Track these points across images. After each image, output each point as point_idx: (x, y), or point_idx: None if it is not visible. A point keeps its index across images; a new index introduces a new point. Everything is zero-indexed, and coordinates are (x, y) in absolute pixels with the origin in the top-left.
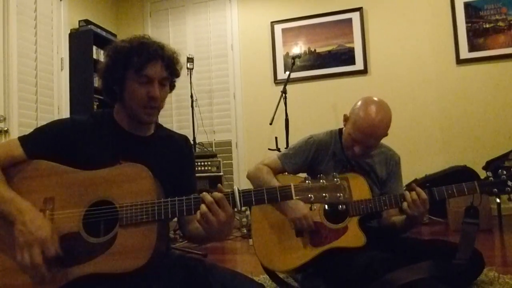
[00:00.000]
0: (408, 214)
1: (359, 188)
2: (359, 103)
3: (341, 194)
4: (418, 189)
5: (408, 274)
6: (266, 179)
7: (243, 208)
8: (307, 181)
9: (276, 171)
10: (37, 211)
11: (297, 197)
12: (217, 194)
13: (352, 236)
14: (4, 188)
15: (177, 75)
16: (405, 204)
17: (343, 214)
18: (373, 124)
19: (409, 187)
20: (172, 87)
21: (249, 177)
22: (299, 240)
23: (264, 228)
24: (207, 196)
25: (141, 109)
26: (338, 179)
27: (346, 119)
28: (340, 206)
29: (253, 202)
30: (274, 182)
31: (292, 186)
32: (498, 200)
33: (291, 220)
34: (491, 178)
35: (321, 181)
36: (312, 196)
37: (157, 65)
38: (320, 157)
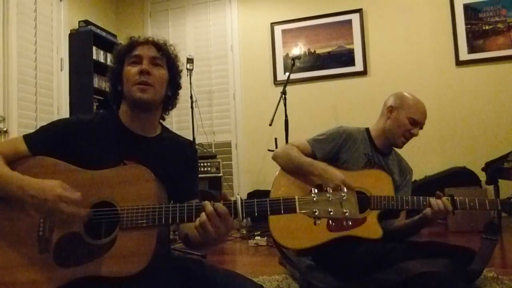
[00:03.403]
0: (428, 218)
1: (383, 185)
2: (402, 93)
3: (347, 210)
4: (444, 199)
5: (425, 265)
6: (297, 155)
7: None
8: (312, 194)
9: (305, 155)
10: (36, 179)
11: (302, 211)
12: (219, 206)
13: (370, 227)
14: (3, 169)
15: (171, 57)
16: (428, 210)
17: (364, 206)
18: (424, 106)
19: (436, 195)
20: (176, 84)
21: (276, 155)
22: (316, 222)
23: None
24: (208, 206)
25: (134, 87)
26: (345, 194)
27: (392, 109)
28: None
29: (256, 213)
30: (305, 159)
31: (297, 199)
32: None
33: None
34: None
35: (327, 194)
36: (317, 210)
37: (146, 46)
38: (348, 146)
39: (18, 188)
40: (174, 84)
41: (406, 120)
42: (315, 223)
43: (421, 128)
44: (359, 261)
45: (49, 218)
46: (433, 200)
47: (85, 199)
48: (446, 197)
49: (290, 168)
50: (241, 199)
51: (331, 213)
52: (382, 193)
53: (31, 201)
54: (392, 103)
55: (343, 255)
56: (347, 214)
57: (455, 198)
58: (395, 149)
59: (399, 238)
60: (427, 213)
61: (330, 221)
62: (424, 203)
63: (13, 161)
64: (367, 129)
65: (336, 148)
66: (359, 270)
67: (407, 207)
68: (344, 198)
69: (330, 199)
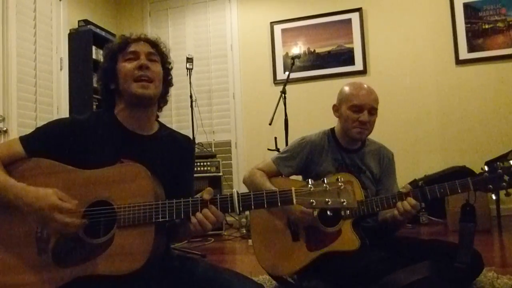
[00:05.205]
0: (399, 220)
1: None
2: (343, 86)
3: (345, 200)
4: (410, 199)
5: (408, 275)
6: (259, 182)
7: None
8: (309, 185)
9: (271, 175)
10: (31, 188)
11: (298, 202)
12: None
13: (346, 239)
14: (1, 175)
15: (164, 54)
16: (395, 212)
17: (337, 217)
18: (366, 87)
19: (400, 196)
20: (168, 81)
21: (244, 182)
22: (295, 245)
23: (262, 232)
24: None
25: (134, 83)
26: (342, 183)
27: (336, 108)
28: (343, 212)
29: (252, 206)
30: (268, 185)
31: (293, 190)
32: (494, 197)
33: (293, 221)
34: (486, 173)
35: (324, 185)
36: (314, 201)
37: (140, 42)
38: (314, 158)
39: (14, 196)
40: (166, 81)
41: (348, 111)
42: (293, 239)
43: (372, 111)
44: (340, 277)
45: (44, 227)
46: (399, 203)
47: (82, 199)
48: (416, 189)
49: None
50: (237, 193)
51: (329, 203)
52: None
53: (26, 209)
54: (335, 102)
55: (325, 273)
56: (344, 203)
57: (424, 188)
58: (370, 138)
59: (380, 240)
60: (396, 216)
61: (309, 240)
62: (394, 201)
63: (10, 164)
64: (333, 130)
65: (302, 162)
66: (345, 285)
67: (377, 209)
68: (341, 187)
69: (327, 189)
